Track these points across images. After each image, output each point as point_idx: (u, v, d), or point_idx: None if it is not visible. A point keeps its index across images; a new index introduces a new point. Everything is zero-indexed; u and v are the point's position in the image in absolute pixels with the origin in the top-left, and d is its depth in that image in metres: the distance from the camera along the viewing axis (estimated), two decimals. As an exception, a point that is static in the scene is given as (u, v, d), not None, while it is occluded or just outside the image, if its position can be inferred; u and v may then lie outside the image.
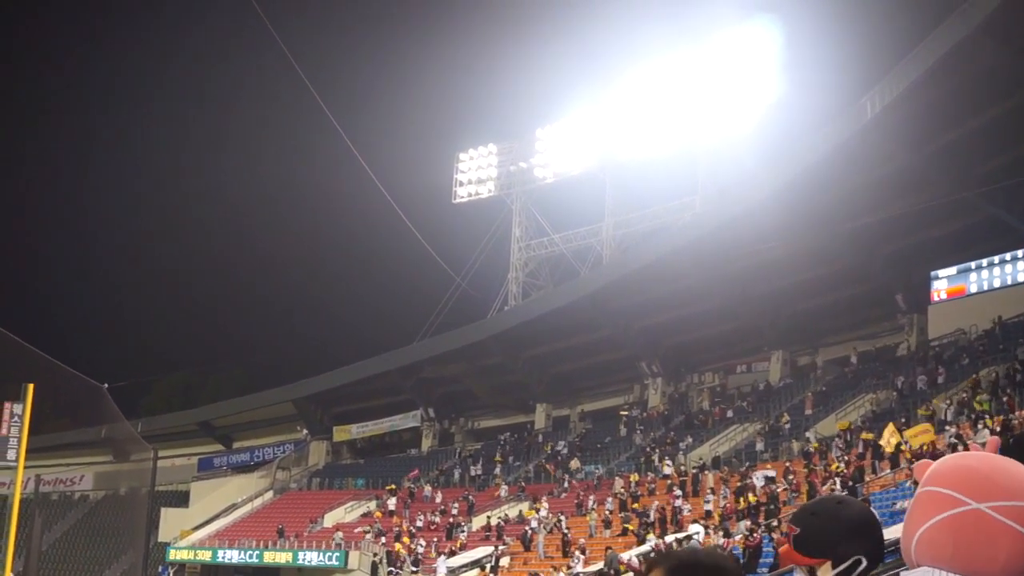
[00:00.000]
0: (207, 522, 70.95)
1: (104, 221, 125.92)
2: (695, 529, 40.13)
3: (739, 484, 43.71)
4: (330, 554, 57.09)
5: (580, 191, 73.61)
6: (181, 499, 76.94)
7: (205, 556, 63.97)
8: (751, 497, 41.07)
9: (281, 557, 60.02)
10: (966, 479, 2.63)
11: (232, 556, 62.31)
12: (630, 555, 39.64)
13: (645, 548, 40.08)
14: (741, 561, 32.85)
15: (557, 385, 69.22)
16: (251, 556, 61.40)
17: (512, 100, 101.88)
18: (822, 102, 54.73)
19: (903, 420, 41.52)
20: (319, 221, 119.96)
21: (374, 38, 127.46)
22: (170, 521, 71.08)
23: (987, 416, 34.96)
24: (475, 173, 77.13)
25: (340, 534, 58.68)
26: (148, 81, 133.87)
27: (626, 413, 63.19)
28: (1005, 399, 38.32)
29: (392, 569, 52.07)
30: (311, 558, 58.16)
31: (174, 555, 64.95)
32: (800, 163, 49.48)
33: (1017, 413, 35.66)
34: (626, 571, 37.76)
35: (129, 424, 68.37)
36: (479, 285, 77.19)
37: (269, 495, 74.17)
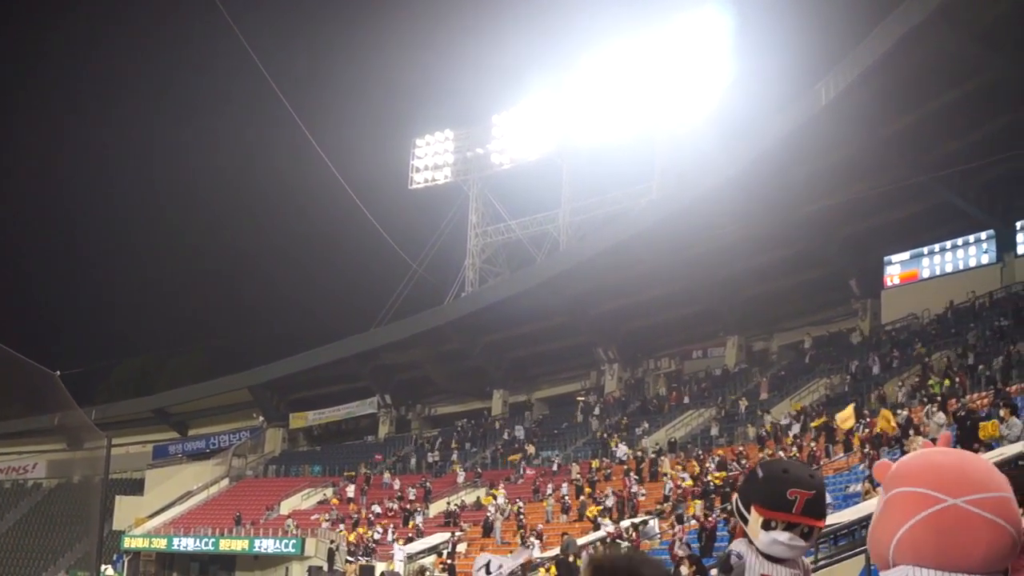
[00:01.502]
0: (162, 510, 70.56)
1: (58, 206, 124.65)
2: (650, 518, 40.21)
3: (696, 470, 43.88)
4: (286, 541, 56.86)
5: (537, 177, 73.63)
6: (136, 487, 76.40)
7: (160, 544, 63.57)
8: (712, 477, 41.20)
9: (237, 544, 59.73)
10: (938, 476, 2.63)
11: (187, 544, 61.94)
12: (587, 540, 39.69)
13: (600, 534, 40.13)
14: (697, 544, 32.97)
15: (514, 371, 69.25)
16: (207, 544, 61.05)
17: (468, 86, 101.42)
18: (779, 87, 54.88)
19: (855, 404, 41.71)
20: (276, 207, 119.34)
21: (329, 23, 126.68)
22: (124, 509, 70.56)
23: (938, 399, 35.20)
24: (431, 159, 76.95)
25: (291, 521, 58.47)
26: (112, 68, 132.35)
27: (583, 399, 63.30)
28: (957, 382, 38.62)
29: (349, 559, 51.90)
30: (267, 545, 57.91)
31: (129, 543, 64.48)
32: (756, 148, 49.59)
33: (969, 396, 35.94)
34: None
35: (82, 411, 67.56)
36: (436, 271, 77.16)
37: (225, 482, 73.83)
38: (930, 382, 39.53)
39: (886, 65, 41.97)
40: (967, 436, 27.85)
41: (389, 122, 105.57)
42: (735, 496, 4.07)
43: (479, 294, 70.43)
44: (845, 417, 38.20)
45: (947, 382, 38.74)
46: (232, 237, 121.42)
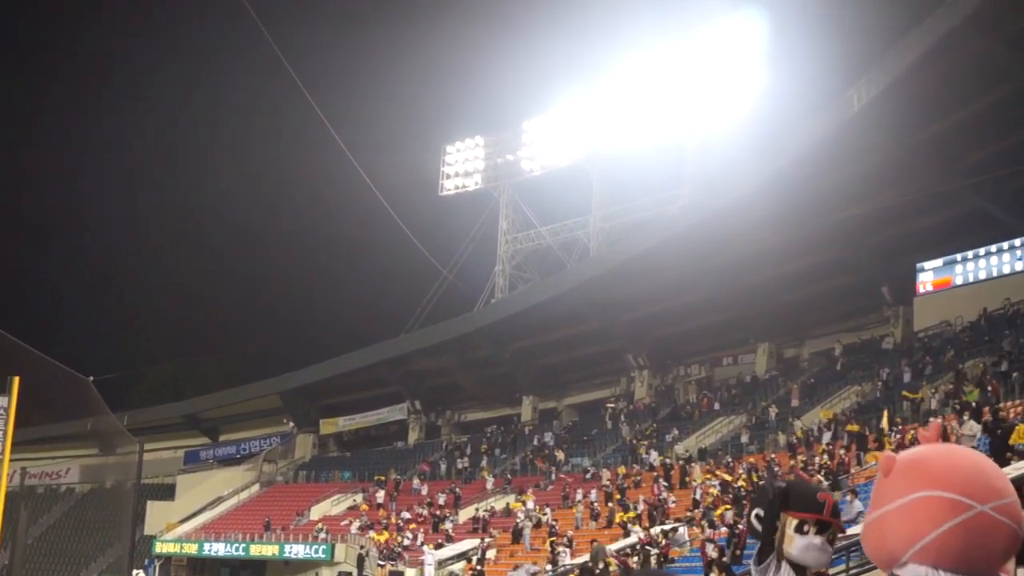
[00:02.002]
0: (193, 515, 70.89)
1: (91, 212, 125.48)
2: (680, 524, 40.13)
3: (726, 476, 43.78)
4: (316, 547, 57.05)
5: (567, 183, 73.57)
6: (167, 492, 76.82)
7: (191, 549, 63.94)
8: (742, 484, 41.10)
9: (267, 550, 60.02)
10: (966, 480, 2.64)
11: (218, 549, 62.27)
12: (616, 546, 39.67)
13: (631, 540, 40.10)
14: (726, 551, 32.89)
15: (544, 378, 69.23)
16: (237, 549, 61.36)
17: (498, 92, 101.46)
18: (809, 94, 54.72)
19: (887, 412, 41.56)
20: (307, 214, 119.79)
21: (360, 31, 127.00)
22: (156, 514, 70.98)
23: (972, 407, 35.02)
24: (462, 166, 77.03)
25: (321, 526, 58.61)
26: (140, 74, 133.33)
27: (612, 405, 63.19)
28: (990, 390, 38.40)
29: (381, 563, 52.01)
30: (297, 551, 58.14)
31: (160, 548, 64.90)
32: (787, 155, 49.46)
33: (1003, 404, 35.74)
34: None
35: (115, 417, 68.18)
36: (466, 278, 77.21)
37: (255, 488, 74.13)
38: (965, 389, 39.30)
39: (917, 72, 41.84)
40: (999, 444, 27.73)
41: (419, 129, 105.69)
42: (752, 512, 4.11)
43: (509, 300, 70.47)
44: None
45: (978, 391, 38.55)
46: (263, 243, 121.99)
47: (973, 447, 29.01)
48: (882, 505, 2.72)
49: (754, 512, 4.10)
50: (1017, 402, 35.74)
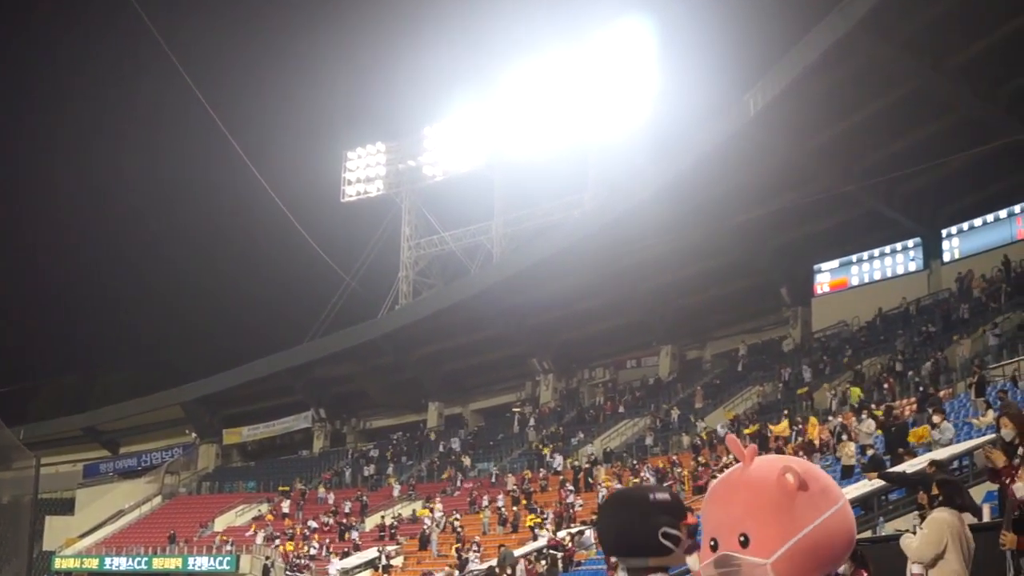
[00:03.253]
0: (94, 529, 69.63)
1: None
2: (586, 527, 40.29)
3: (631, 479, 44.05)
4: (221, 558, 56.36)
5: (469, 189, 73.61)
6: (66, 507, 75.34)
7: (92, 564, 62.82)
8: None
9: (171, 563, 59.16)
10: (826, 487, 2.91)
11: (120, 563, 61.27)
12: (524, 551, 39.71)
13: (538, 544, 40.18)
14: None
15: (449, 383, 69.17)
16: (140, 563, 60.43)
17: (399, 98, 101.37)
18: (708, 98, 55.33)
19: (786, 412, 42.18)
20: (209, 222, 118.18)
21: (258, 36, 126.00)
22: (55, 529, 69.47)
23: (869, 405, 35.69)
24: (363, 172, 76.73)
25: (219, 539, 57.92)
26: (41, 88, 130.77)
27: (518, 410, 63.33)
28: (885, 388, 39.16)
29: (289, 573, 51.50)
30: (202, 563, 57.39)
31: (60, 564, 63.67)
32: (686, 159, 49.91)
33: (898, 402, 36.44)
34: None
35: (10, 431, 66.55)
36: (369, 284, 76.89)
37: (158, 500, 73.05)
38: (852, 391, 40.09)
39: (812, 76, 42.47)
40: (894, 441, 28.23)
41: (320, 135, 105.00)
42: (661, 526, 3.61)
43: (413, 306, 70.28)
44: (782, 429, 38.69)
45: (858, 391, 39.42)
46: (164, 252, 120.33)
47: (870, 444, 29.58)
48: (814, 518, 2.83)
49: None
50: (912, 399, 36.45)
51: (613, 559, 3.74)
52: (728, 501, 2.94)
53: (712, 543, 2.93)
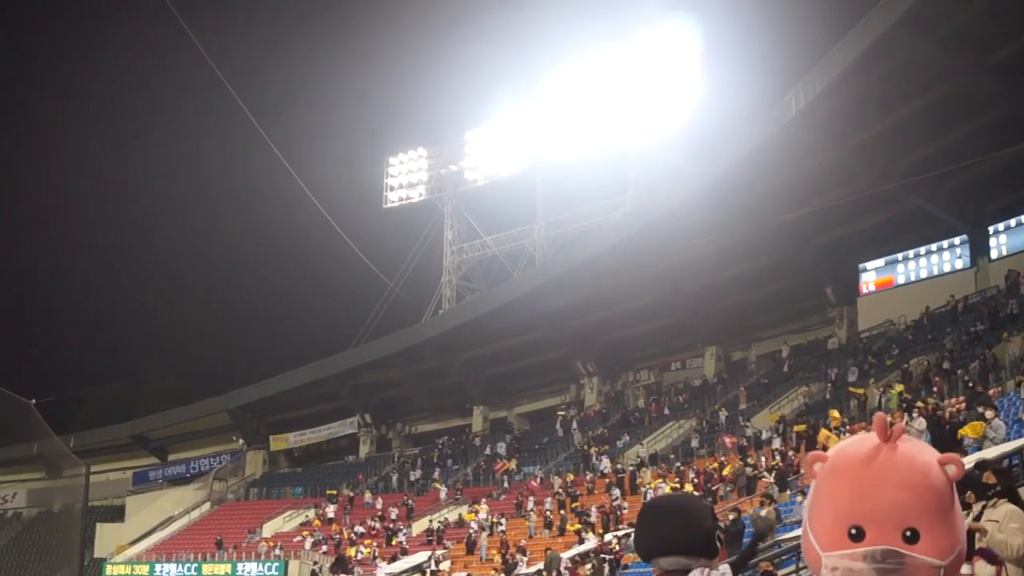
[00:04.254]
0: (144, 536, 70.20)
1: (27, 230, 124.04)
2: (633, 529, 40.23)
3: (676, 480, 44.00)
4: (269, 564, 56.68)
5: (511, 193, 73.71)
6: (116, 514, 76.05)
7: (142, 570, 63.28)
8: (689, 488, 41.31)
9: (220, 569, 59.49)
10: None
11: (170, 570, 61.67)
12: (571, 553, 39.74)
13: (586, 547, 40.17)
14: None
15: (494, 387, 69.27)
16: (189, 569, 60.79)
17: (440, 103, 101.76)
18: (748, 98, 55.25)
19: (834, 412, 41.97)
20: (252, 230, 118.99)
21: (299, 43, 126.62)
22: (106, 536, 70.21)
23: (917, 403, 35.43)
24: (405, 177, 76.97)
25: (263, 545, 58.23)
26: (88, 98, 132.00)
27: (563, 413, 63.33)
28: (935, 389, 38.86)
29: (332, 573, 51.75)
30: (250, 569, 57.69)
31: (111, 571, 64.19)
32: (727, 159, 49.86)
33: (947, 401, 36.16)
34: None
35: (60, 440, 67.38)
36: (412, 289, 77.11)
37: (206, 507, 73.54)
38: (895, 391, 39.83)
39: (853, 74, 42.35)
40: (944, 440, 28.00)
41: (362, 141, 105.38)
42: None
43: (456, 311, 70.42)
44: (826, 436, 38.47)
45: (899, 389, 39.12)
46: (209, 260, 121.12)
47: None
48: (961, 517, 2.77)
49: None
50: (960, 398, 36.15)
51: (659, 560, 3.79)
52: (883, 485, 2.65)
53: (853, 531, 2.64)
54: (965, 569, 10.57)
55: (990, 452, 23.50)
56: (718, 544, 3.68)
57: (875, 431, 2.73)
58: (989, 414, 27.39)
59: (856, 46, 41.98)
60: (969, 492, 10.39)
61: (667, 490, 42.94)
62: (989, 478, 10.39)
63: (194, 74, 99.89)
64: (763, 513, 30.95)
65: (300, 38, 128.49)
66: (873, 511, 2.61)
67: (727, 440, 47.78)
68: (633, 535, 3.95)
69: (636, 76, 62.73)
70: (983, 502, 10.23)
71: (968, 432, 27.66)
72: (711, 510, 3.67)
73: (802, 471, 38.01)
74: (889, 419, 2.82)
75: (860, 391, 42.95)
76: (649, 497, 43.66)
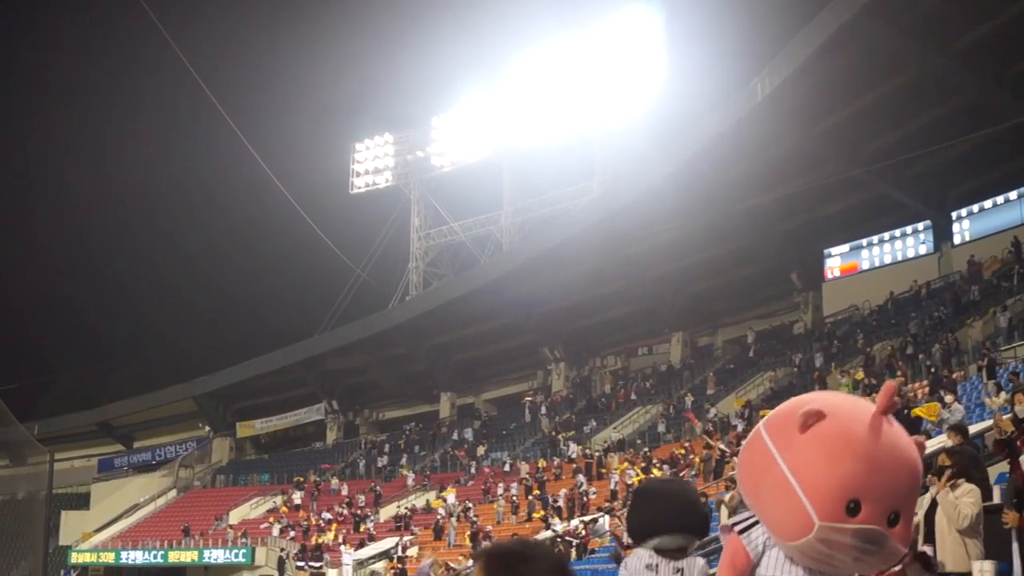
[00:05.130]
0: (109, 523, 69.85)
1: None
2: (600, 515, 40.37)
3: (643, 465, 44.15)
4: (236, 551, 56.55)
5: (478, 179, 73.75)
6: (82, 501, 75.60)
7: (108, 558, 62.99)
8: (658, 473, 41.44)
9: (186, 556, 59.31)
10: None
11: (136, 557, 61.42)
12: (537, 539, 39.77)
13: (551, 533, 40.26)
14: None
15: (461, 373, 69.29)
16: (156, 556, 60.56)
17: (406, 89, 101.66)
18: (715, 84, 55.32)
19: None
20: (218, 216, 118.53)
21: (265, 28, 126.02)
22: (71, 524, 69.77)
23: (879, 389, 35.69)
24: (372, 163, 76.82)
25: (230, 531, 58.10)
26: (46, 84, 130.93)
27: (530, 399, 63.42)
28: (899, 373, 39.13)
29: (300, 565, 51.66)
30: (217, 556, 57.53)
31: (76, 558, 63.86)
32: (693, 145, 49.96)
33: (910, 386, 36.44)
34: None
35: (23, 427, 66.92)
36: (379, 275, 77.03)
37: (172, 494, 73.26)
38: (843, 380, 40.20)
39: (819, 60, 42.51)
40: (906, 425, 28.18)
41: (328, 127, 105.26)
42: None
43: (423, 297, 70.38)
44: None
45: (859, 375, 39.45)
46: (174, 246, 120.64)
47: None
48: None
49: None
50: (924, 383, 36.46)
51: (651, 540, 4.01)
52: (893, 463, 2.60)
53: (851, 504, 2.56)
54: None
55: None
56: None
57: (881, 400, 2.67)
58: (949, 398, 27.57)
59: (821, 32, 42.15)
60: (929, 475, 10.62)
61: (635, 476, 43.13)
62: (944, 460, 10.74)
63: (161, 61, 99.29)
64: (727, 498, 31.15)
65: (266, 24, 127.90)
66: (878, 488, 2.56)
67: (693, 420, 48.05)
68: (628, 515, 4.16)
69: (601, 62, 62.80)
70: (946, 483, 10.51)
71: (923, 413, 27.82)
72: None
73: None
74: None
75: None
76: (615, 483, 43.88)
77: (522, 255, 61.70)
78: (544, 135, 67.25)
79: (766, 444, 2.74)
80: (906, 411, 30.05)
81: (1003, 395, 24.03)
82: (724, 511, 31.38)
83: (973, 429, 24.80)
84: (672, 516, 3.89)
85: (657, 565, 4.06)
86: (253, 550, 55.73)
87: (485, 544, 34.53)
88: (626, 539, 28.89)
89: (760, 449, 2.75)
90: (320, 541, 52.93)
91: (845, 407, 2.70)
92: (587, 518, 40.29)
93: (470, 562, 41.85)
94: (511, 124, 68.62)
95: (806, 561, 2.71)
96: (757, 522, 2.80)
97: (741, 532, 2.85)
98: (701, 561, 4.28)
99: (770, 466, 2.69)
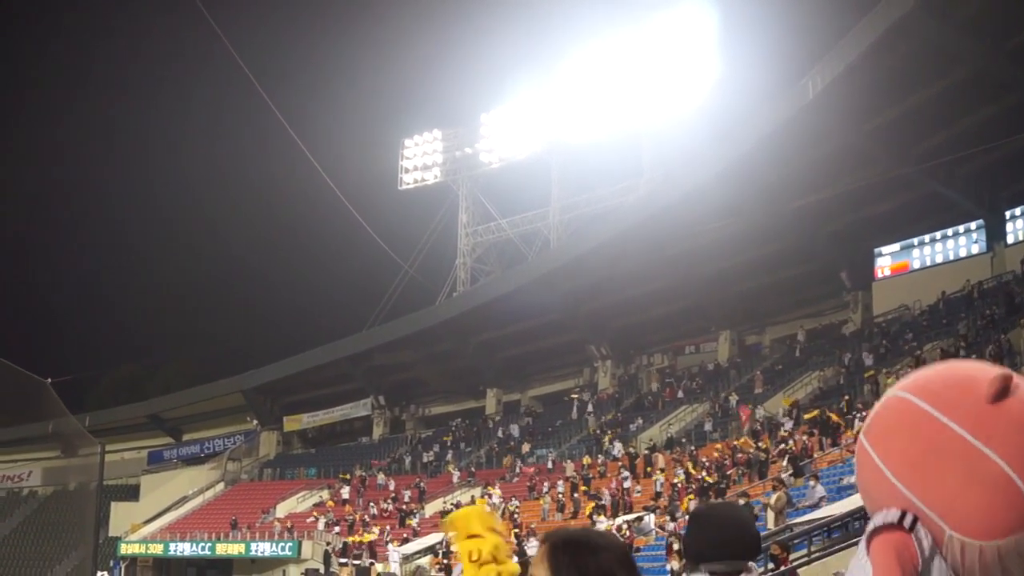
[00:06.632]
0: (158, 515, 70.52)
1: (43, 212, 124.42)
2: (645, 513, 40.26)
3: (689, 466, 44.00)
4: (283, 544, 56.90)
5: (526, 175, 73.68)
6: (131, 493, 76.41)
7: (157, 549, 63.62)
8: (704, 476, 41.30)
9: (234, 549, 59.80)
10: None
11: (184, 549, 61.98)
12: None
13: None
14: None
15: (507, 370, 69.29)
16: (203, 548, 61.09)
17: (456, 85, 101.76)
18: (765, 82, 55.00)
19: (847, 397, 42.03)
20: (267, 211, 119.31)
21: (316, 25, 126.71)
22: (120, 515, 70.51)
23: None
24: (420, 159, 76.95)
25: (277, 524, 58.41)
26: (99, 72, 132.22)
27: (576, 396, 63.33)
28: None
29: (343, 560, 51.88)
30: (264, 549, 57.95)
31: (125, 549, 64.54)
32: (743, 143, 49.68)
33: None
34: None
35: (75, 419, 67.73)
36: (427, 271, 77.19)
37: (220, 487, 73.81)
38: (888, 381, 39.78)
39: (871, 58, 42.15)
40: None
41: (377, 123, 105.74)
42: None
43: (471, 293, 70.44)
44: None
45: (894, 380, 38.97)
46: (223, 241, 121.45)
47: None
48: None
49: None
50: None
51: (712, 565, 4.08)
52: None
53: None
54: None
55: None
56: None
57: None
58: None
59: (873, 30, 41.79)
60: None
61: (681, 475, 42.99)
62: None
63: (212, 57, 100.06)
64: (772, 500, 31.07)
65: (317, 20, 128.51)
66: None
67: (742, 414, 47.84)
68: (686, 538, 4.28)
69: (652, 58, 62.53)
70: None
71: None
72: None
73: (815, 455, 37.99)
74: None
75: (869, 373, 43.13)
76: (660, 483, 43.74)
77: (569, 252, 61.64)
78: (593, 132, 67.09)
79: (936, 417, 2.20)
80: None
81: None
82: (770, 514, 31.35)
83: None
84: (726, 543, 4.00)
85: None
86: (299, 543, 56.06)
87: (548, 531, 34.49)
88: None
89: (928, 422, 2.21)
90: (366, 540, 53.05)
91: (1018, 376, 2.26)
92: (631, 516, 40.22)
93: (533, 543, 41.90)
94: (560, 121, 68.50)
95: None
96: (916, 519, 2.18)
97: (911, 528, 2.18)
98: None
99: (953, 443, 2.17)
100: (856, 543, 2.41)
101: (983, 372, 2.22)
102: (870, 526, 2.23)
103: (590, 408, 60.78)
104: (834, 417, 39.37)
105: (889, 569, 2.16)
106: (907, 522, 2.19)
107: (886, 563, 2.17)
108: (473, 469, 60.45)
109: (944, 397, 2.22)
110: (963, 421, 2.17)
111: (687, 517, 35.24)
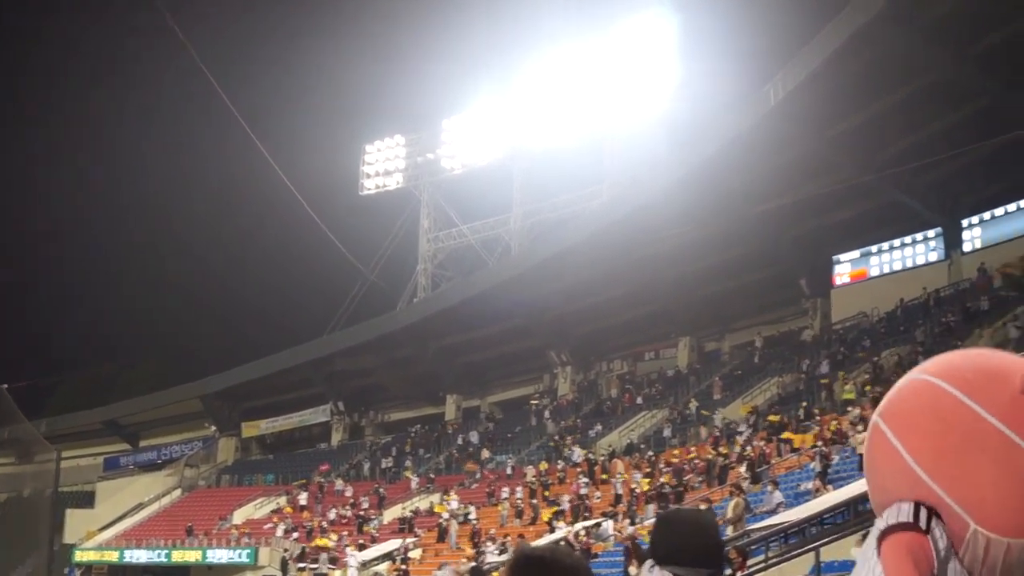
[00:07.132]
0: (114, 522, 69.85)
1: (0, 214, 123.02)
2: (603, 520, 40.18)
3: (648, 470, 43.95)
4: (240, 551, 56.45)
5: (488, 181, 73.46)
6: (87, 500, 75.69)
7: (112, 557, 63.00)
8: (665, 478, 41.26)
9: (190, 555, 59.28)
10: None
11: (140, 556, 61.42)
12: (541, 543, 39.58)
13: (556, 536, 40.05)
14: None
15: (467, 376, 69.14)
16: (159, 555, 60.56)
17: (418, 91, 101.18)
18: (728, 89, 55.04)
19: (805, 404, 42.18)
20: (228, 216, 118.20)
21: (276, 29, 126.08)
22: (76, 522, 69.86)
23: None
24: (382, 165, 76.72)
25: (234, 531, 57.96)
26: (50, 84, 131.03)
27: (536, 402, 63.25)
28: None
29: (300, 566, 51.52)
30: (221, 556, 57.47)
31: (80, 556, 63.91)
32: (705, 149, 49.75)
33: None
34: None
35: (31, 425, 66.96)
36: (388, 277, 76.81)
37: (177, 493, 73.24)
38: (845, 388, 40.02)
39: (833, 65, 42.24)
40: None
41: (339, 128, 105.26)
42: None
43: (431, 299, 70.25)
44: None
45: (850, 387, 39.46)
46: (183, 246, 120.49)
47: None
48: None
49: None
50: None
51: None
52: None
53: None
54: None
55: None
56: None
57: None
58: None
59: (836, 37, 41.91)
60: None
61: (642, 481, 42.90)
62: None
63: (172, 59, 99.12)
64: (729, 508, 31.02)
65: (278, 25, 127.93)
66: None
67: (703, 432, 47.91)
68: (651, 539, 4.26)
69: (614, 65, 62.58)
70: None
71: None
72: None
73: (773, 460, 38.02)
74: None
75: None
76: (618, 488, 43.66)
77: (531, 258, 61.57)
78: (555, 138, 67.04)
79: (970, 406, 2.05)
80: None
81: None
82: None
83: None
84: (694, 549, 4.00)
85: None
86: (256, 550, 55.65)
87: (518, 544, 34.38)
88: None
89: (960, 410, 2.06)
90: (322, 544, 52.74)
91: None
92: (590, 523, 40.11)
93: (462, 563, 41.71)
94: (522, 127, 68.44)
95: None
96: (931, 517, 2.03)
97: (927, 529, 2.03)
98: None
99: (987, 434, 2.02)
100: (811, 550, 2.31)
101: (1013, 363, 2.08)
102: (881, 524, 2.08)
103: (548, 414, 60.68)
104: (787, 434, 39.56)
105: (903, 573, 2.02)
106: (923, 521, 2.05)
107: (899, 566, 2.03)
108: (432, 475, 60.19)
109: (977, 385, 2.07)
110: (998, 412, 2.03)
111: (651, 521, 35.17)
